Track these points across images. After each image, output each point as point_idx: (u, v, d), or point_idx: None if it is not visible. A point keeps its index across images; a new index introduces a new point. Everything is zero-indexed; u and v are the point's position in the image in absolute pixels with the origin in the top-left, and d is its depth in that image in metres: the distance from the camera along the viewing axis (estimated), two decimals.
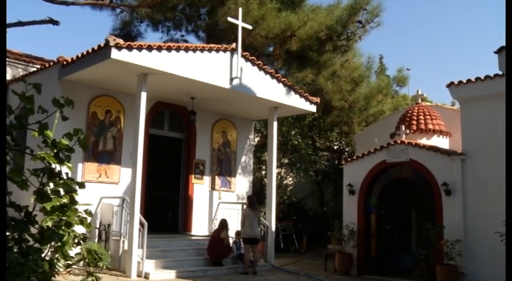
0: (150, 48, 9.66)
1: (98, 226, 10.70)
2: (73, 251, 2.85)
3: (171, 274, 9.88)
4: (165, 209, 13.26)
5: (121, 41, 9.20)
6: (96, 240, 10.50)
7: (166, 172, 13.33)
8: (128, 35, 16.23)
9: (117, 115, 11.52)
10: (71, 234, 2.64)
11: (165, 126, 12.94)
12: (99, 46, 9.34)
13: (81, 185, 2.68)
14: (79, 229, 2.87)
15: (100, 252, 9.35)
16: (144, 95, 10.12)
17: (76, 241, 2.81)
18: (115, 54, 9.12)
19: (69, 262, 2.83)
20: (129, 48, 9.33)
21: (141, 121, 10.08)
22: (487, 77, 10.30)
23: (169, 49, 10.01)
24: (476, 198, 10.27)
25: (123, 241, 10.18)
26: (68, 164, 2.62)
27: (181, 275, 9.91)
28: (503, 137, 9.01)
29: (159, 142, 12.70)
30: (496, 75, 9.96)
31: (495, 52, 8.53)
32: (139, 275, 9.62)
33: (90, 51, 9.58)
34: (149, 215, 11.17)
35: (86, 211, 2.83)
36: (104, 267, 9.55)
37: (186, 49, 10.37)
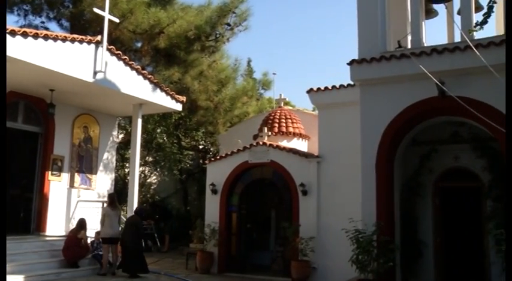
0: None
1: None
2: None
3: (19, 279, 9.14)
4: (16, 208, 12.25)
5: None
6: None
7: (19, 167, 12.35)
8: None
9: None
10: None
11: (19, 119, 11.97)
12: None
13: None
14: None
15: None
16: None
17: None
18: None
19: None
20: None
21: None
22: (341, 86, 11.16)
23: (25, 35, 9.25)
24: (328, 198, 11.06)
25: None
26: None
27: (31, 280, 9.26)
28: (354, 141, 9.85)
29: (11, 135, 11.71)
30: (349, 85, 10.82)
31: (348, 64, 9.28)
32: None
33: None
34: None
35: None
36: None
37: (46, 37, 9.71)
